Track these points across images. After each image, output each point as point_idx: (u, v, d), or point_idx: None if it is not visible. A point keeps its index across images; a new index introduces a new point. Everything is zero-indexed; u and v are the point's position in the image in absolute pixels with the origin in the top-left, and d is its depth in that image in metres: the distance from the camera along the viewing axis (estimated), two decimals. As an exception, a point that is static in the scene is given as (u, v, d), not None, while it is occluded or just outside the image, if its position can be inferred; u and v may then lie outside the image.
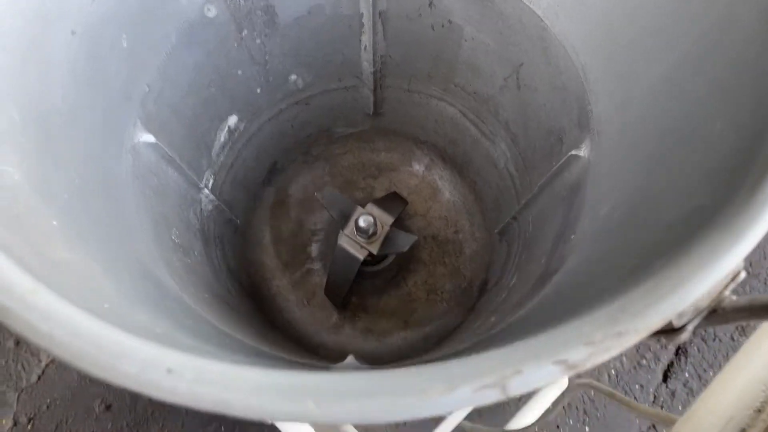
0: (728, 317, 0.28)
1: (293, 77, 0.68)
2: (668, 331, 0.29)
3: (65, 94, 0.44)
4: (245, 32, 0.60)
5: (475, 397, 0.24)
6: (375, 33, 0.64)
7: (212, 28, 0.57)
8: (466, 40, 0.62)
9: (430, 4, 0.61)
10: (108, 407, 1.40)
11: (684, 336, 0.30)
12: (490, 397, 0.24)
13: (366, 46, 0.66)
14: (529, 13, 0.55)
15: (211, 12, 0.56)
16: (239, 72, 0.62)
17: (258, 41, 0.61)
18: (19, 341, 1.44)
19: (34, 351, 1.44)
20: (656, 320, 0.25)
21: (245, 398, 0.23)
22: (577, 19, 0.52)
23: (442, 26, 0.62)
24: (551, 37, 0.54)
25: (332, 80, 0.70)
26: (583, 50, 0.52)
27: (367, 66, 0.68)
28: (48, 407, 1.40)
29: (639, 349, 1.21)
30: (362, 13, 0.62)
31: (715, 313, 0.29)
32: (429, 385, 0.24)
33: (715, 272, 0.25)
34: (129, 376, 0.24)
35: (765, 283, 1.14)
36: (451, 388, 0.24)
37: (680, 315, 0.29)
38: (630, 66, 0.45)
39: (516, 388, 0.24)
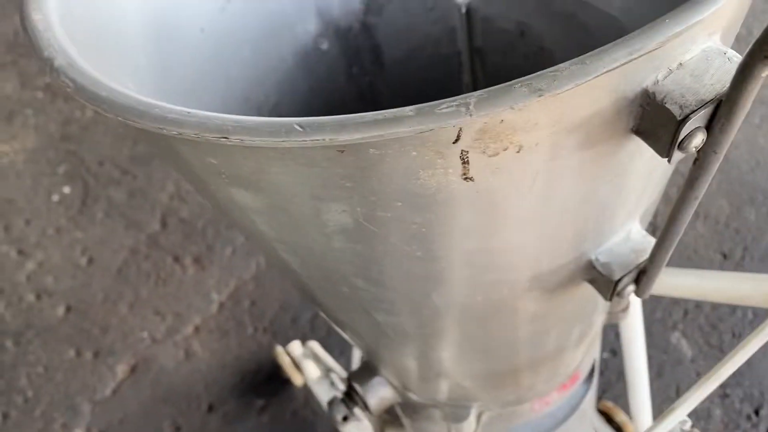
0: (737, 100, 0.27)
1: (402, 119, 0.74)
2: (672, 123, 0.29)
3: (189, 76, 0.53)
4: (354, 68, 0.69)
5: (443, 113, 0.26)
6: (474, 71, 0.71)
7: (324, 60, 0.66)
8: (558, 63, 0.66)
9: (521, 34, 0.66)
10: (177, 429, 1.38)
11: (696, 140, 0.29)
12: (458, 113, 0.26)
13: (467, 84, 0.72)
14: (606, 17, 0.58)
15: (324, 45, 0.66)
16: (349, 107, 0.71)
17: (366, 78, 0.70)
18: (98, 353, 1.50)
19: (110, 365, 1.49)
20: (620, 55, 0.26)
21: (242, 126, 0.27)
22: (647, 8, 0.54)
23: (534, 54, 0.67)
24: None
25: (439, 125, 0.76)
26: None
27: (469, 106, 0.73)
28: (120, 422, 1.41)
29: (728, 425, 1.03)
30: (460, 52, 0.69)
31: (721, 104, 0.28)
32: (401, 112, 0.26)
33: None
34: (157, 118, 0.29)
35: None
36: (420, 111, 0.26)
37: (681, 106, 0.28)
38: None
39: (479, 106, 0.25)
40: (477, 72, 0.71)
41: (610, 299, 0.44)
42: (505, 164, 0.30)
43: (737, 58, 0.29)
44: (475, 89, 0.72)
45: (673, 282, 0.52)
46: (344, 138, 0.26)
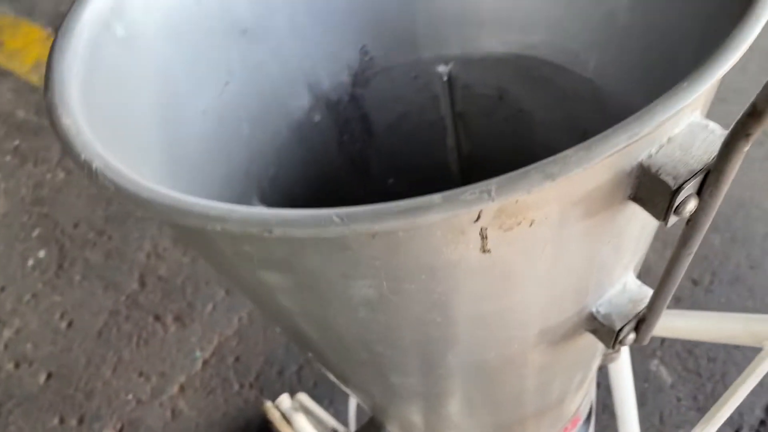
0: (723, 170, 0.31)
1: (390, 181, 0.78)
2: (668, 192, 0.32)
3: (194, 156, 0.56)
4: (345, 137, 0.72)
5: (468, 199, 0.28)
6: (457, 134, 0.74)
7: (317, 131, 0.69)
8: (537, 124, 0.70)
9: (501, 98, 0.70)
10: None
11: (690, 205, 0.33)
12: (481, 199, 0.28)
13: (451, 147, 0.75)
14: (581, 80, 0.63)
15: (316, 117, 0.69)
16: (342, 173, 0.74)
17: (357, 146, 0.73)
18: (82, 419, 1.48)
19: (96, 430, 1.47)
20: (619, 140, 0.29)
21: (283, 220, 0.30)
22: (620, 69, 0.59)
23: (514, 116, 0.71)
24: (605, 97, 0.61)
25: (426, 185, 0.79)
26: (630, 92, 0.58)
27: (454, 167, 0.77)
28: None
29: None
30: (444, 117, 0.73)
31: (709, 174, 0.32)
32: (430, 201, 0.29)
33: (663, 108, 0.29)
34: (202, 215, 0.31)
35: None
36: (446, 198, 0.29)
37: (675, 177, 0.32)
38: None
39: (499, 192, 0.28)
40: (460, 135, 0.75)
41: (613, 347, 0.47)
42: (518, 237, 0.33)
43: (719, 130, 0.33)
44: (458, 151, 0.76)
45: (667, 324, 0.55)
46: (379, 227, 0.29)
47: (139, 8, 0.51)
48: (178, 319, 1.66)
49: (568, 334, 0.47)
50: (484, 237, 0.32)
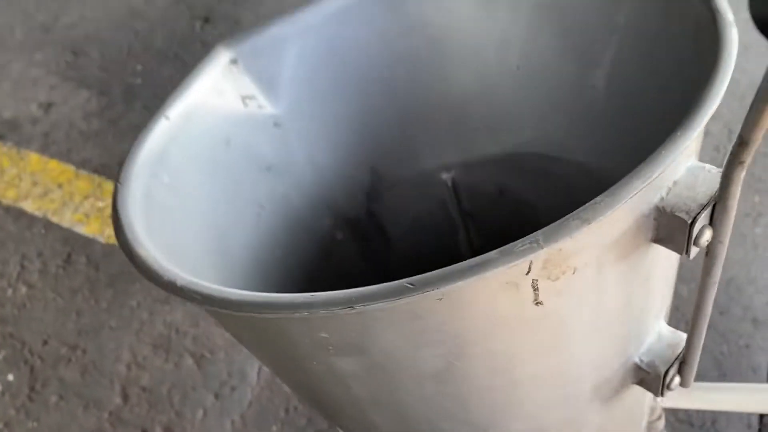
0: (727, 198, 0.36)
1: (413, 286, 0.82)
2: (685, 226, 0.37)
3: (240, 278, 0.60)
4: (366, 249, 0.77)
5: (520, 250, 0.33)
6: (467, 229, 0.80)
7: (341, 247, 0.74)
8: (539, 210, 0.76)
9: (501, 193, 0.76)
10: None
11: (706, 235, 0.37)
12: (531, 248, 0.33)
13: (463, 243, 0.80)
14: (575, 165, 0.69)
15: (339, 235, 0.74)
16: (365, 283, 0.78)
17: (376, 255, 0.78)
18: None
19: None
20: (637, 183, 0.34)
21: (362, 295, 0.34)
22: (610, 149, 0.65)
23: (516, 206, 0.77)
24: (599, 175, 0.68)
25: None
26: (618, 166, 0.64)
27: (470, 263, 0.82)
28: None
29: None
30: (452, 216, 0.79)
31: (716, 204, 0.37)
32: (489, 257, 0.33)
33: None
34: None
35: None
36: (502, 252, 0.33)
37: (687, 212, 0.37)
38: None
39: (546, 239, 0.33)
40: (470, 229, 0.80)
41: (662, 394, 0.49)
42: (565, 285, 0.37)
43: (714, 169, 0.38)
44: (470, 245, 0.81)
45: (700, 396, 0.58)
46: (448, 287, 0.33)
47: (178, 158, 0.57)
48: (167, 430, 1.59)
49: (618, 388, 0.50)
50: (535, 289, 0.36)
